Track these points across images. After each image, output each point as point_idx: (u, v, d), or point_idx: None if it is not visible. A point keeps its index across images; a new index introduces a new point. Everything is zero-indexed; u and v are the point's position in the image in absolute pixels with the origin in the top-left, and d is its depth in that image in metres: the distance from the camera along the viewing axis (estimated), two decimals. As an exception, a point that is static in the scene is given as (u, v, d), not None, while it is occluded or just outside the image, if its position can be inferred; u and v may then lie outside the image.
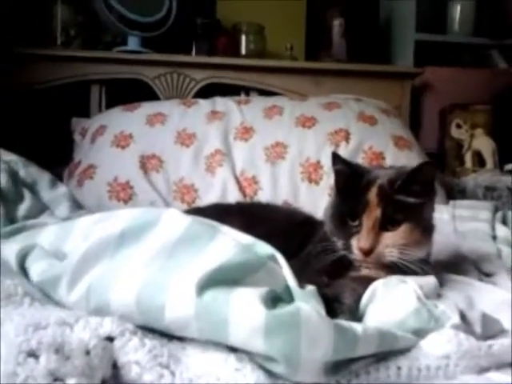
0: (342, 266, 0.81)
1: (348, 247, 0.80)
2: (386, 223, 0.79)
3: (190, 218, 0.66)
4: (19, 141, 1.36)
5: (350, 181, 0.83)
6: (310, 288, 0.61)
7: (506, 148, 2.01)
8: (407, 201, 0.79)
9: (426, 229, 0.82)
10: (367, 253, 0.78)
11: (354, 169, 0.85)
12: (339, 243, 0.81)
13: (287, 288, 0.61)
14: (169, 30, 2.02)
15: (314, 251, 0.82)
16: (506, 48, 2.32)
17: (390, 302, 0.69)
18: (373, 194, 0.80)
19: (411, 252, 0.79)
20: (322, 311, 0.57)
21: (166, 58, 1.99)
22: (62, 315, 0.53)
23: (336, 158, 0.86)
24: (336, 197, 0.87)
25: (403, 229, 0.79)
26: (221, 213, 0.95)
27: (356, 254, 0.79)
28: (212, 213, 0.94)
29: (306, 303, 0.55)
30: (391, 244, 0.79)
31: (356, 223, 0.80)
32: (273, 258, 0.63)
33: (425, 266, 0.80)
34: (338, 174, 0.86)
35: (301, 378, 0.51)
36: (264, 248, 0.64)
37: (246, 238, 0.66)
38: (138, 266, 0.60)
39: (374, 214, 0.79)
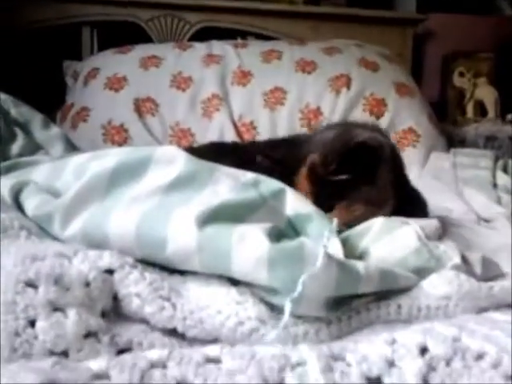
0: None
1: None
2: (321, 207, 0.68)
3: (186, 156, 0.64)
4: (9, 84, 1.31)
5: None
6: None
7: (509, 97, 1.98)
8: (342, 180, 0.71)
9: (376, 202, 0.76)
10: None
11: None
12: None
13: (290, 225, 0.60)
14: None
15: None
16: (513, -6, 2.25)
17: (390, 242, 0.68)
18: (302, 176, 0.73)
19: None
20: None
21: (159, 0, 1.91)
22: (60, 248, 0.53)
23: None
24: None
25: (339, 210, 0.73)
26: (215, 152, 0.93)
27: None
28: (207, 151, 0.92)
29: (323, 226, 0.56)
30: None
31: None
32: (278, 194, 0.62)
33: None
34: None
35: (302, 311, 0.51)
36: (270, 184, 0.63)
37: (247, 176, 0.65)
38: (135, 202, 0.58)
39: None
